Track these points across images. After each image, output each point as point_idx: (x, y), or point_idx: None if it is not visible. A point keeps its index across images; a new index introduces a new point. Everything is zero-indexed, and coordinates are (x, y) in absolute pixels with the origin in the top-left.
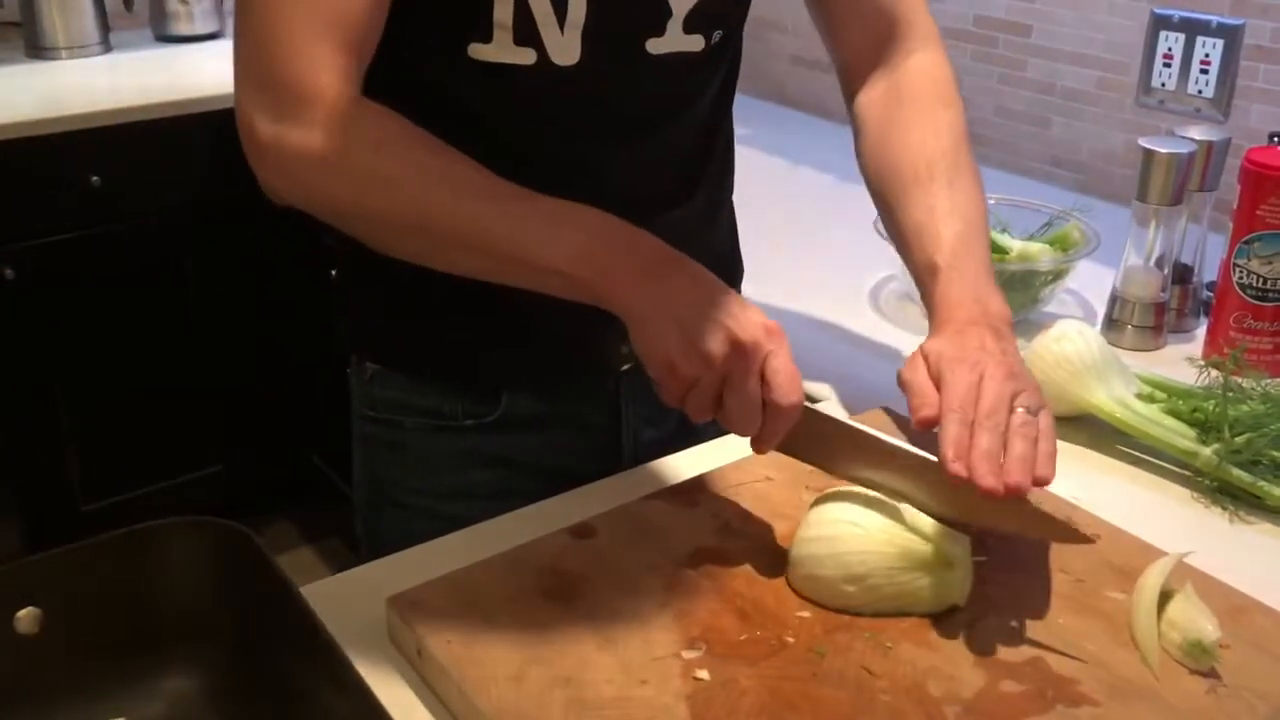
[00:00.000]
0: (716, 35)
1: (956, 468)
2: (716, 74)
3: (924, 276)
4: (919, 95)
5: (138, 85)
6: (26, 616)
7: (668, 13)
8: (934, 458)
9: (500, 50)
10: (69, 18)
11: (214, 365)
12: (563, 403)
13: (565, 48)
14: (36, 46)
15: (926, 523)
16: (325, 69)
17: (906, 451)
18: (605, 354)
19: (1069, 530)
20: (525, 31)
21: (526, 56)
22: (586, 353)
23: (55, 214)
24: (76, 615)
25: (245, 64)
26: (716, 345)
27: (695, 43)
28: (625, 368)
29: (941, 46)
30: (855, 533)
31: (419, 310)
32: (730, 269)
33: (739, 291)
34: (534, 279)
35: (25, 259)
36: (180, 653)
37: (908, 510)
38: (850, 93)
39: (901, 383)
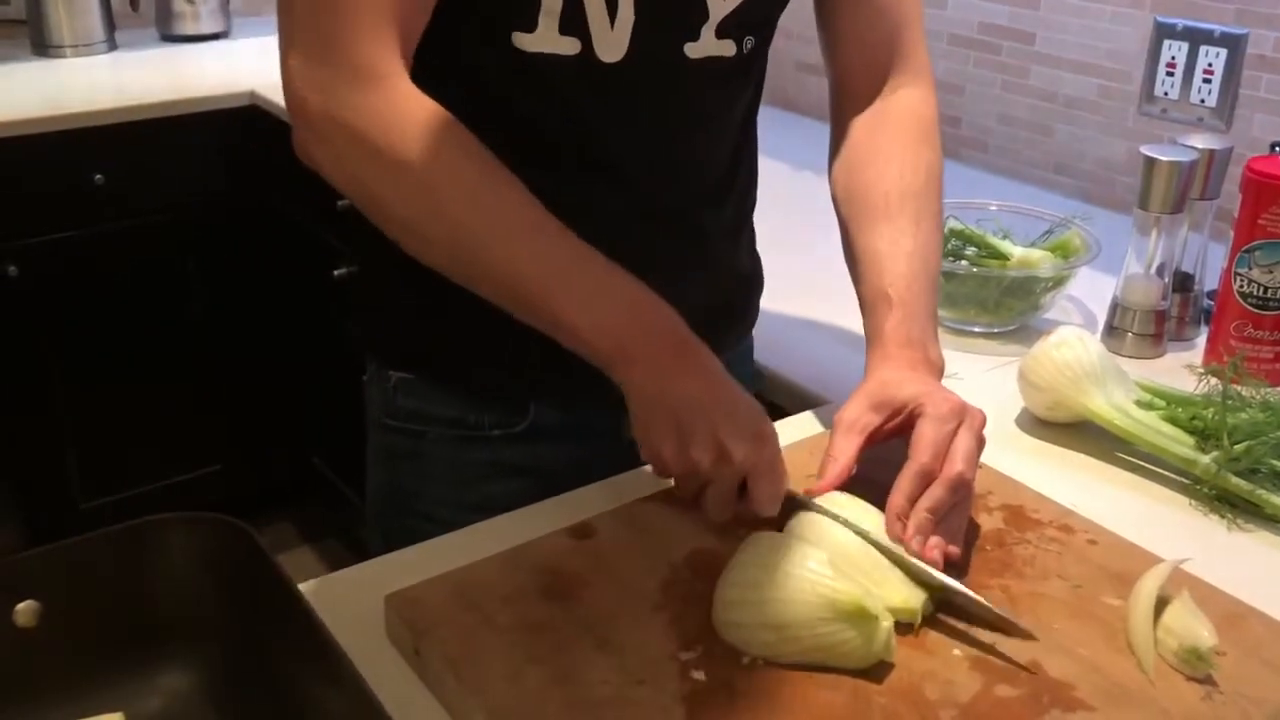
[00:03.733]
0: (748, 43)
1: (895, 529)
2: (746, 85)
3: (875, 303)
4: (904, 129)
5: (142, 84)
6: (25, 610)
7: (705, 16)
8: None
9: (543, 40)
10: (75, 16)
11: (215, 364)
12: (589, 414)
13: (614, 44)
14: (42, 44)
15: (855, 572)
16: (386, 50)
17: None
18: None
19: (1011, 624)
20: (573, 21)
21: (571, 47)
22: None
23: (59, 212)
24: (75, 609)
25: (300, 33)
26: (705, 456)
27: (727, 48)
28: None
29: (933, 85)
30: (776, 579)
31: (449, 319)
32: (750, 287)
33: (757, 308)
34: (552, 330)
35: (29, 256)
36: (178, 648)
37: (838, 558)
38: (837, 109)
39: (837, 428)
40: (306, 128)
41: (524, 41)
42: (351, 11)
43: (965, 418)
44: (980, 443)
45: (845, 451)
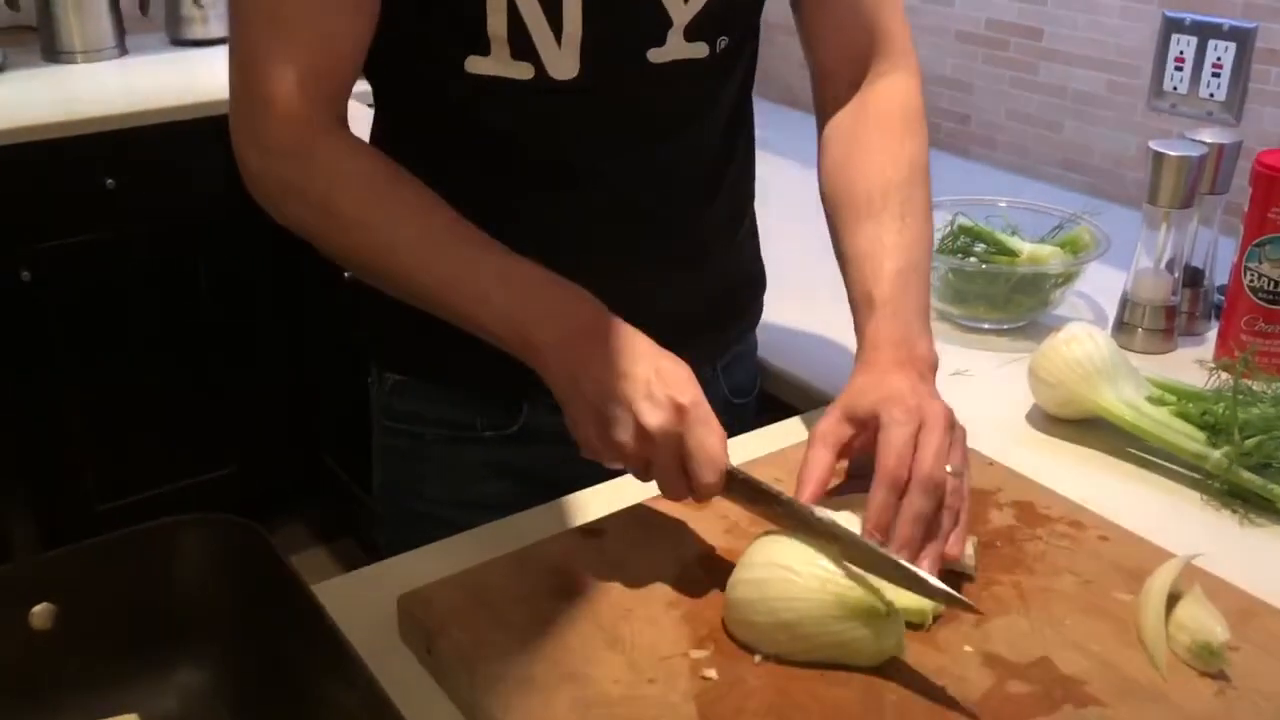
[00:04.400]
0: (722, 42)
1: (876, 538)
2: (729, 80)
3: (861, 307)
4: (886, 120)
5: (152, 88)
6: (42, 612)
7: (667, 22)
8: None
9: (498, 64)
10: (85, 21)
11: (227, 366)
12: None
13: (563, 61)
14: (53, 50)
15: (864, 569)
16: (304, 101)
17: (821, 520)
18: None
19: (959, 600)
20: (522, 46)
21: (524, 71)
22: None
23: (71, 216)
24: (91, 611)
25: (233, 90)
26: (627, 437)
27: (699, 50)
28: None
29: (916, 70)
30: (787, 578)
31: (441, 323)
32: (752, 282)
33: (760, 305)
34: (473, 330)
35: (41, 261)
36: (192, 649)
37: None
38: (821, 99)
39: (811, 440)
40: (249, 181)
41: (481, 66)
42: (268, 69)
43: (925, 416)
44: (954, 438)
45: (817, 466)
